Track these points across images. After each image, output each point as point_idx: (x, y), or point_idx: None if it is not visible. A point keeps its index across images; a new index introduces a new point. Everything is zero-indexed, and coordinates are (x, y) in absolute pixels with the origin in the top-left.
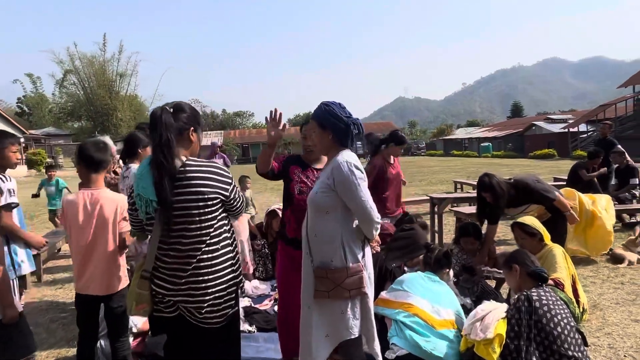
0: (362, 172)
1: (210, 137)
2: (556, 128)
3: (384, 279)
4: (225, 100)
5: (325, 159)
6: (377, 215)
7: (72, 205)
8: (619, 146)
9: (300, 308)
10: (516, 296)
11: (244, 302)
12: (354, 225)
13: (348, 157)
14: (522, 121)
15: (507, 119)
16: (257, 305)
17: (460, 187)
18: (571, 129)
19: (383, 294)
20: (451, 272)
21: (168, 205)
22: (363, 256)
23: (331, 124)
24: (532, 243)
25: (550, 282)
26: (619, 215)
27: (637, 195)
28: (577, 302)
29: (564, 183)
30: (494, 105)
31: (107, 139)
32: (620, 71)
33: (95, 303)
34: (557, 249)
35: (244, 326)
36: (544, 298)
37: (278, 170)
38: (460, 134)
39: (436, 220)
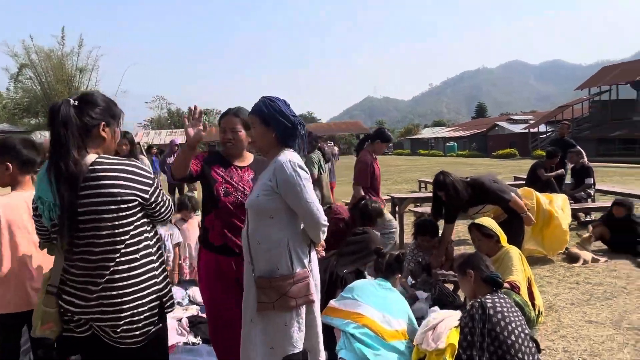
0: (307, 173)
1: (176, 135)
2: (518, 128)
3: (334, 285)
4: (205, 99)
5: (248, 155)
6: (324, 218)
7: (12, 209)
8: (578, 147)
9: (228, 314)
10: (470, 303)
11: (192, 310)
12: (300, 228)
13: (291, 157)
14: (485, 121)
15: (471, 120)
16: (204, 315)
17: (425, 186)
18: (531, 130)
19: (332, 302)
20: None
21: (67, 209)
22: (310, 261)
23: (276, 122)
24: (489, 244)
25: (506, 285)
26: (574, 214)
27: (592, 194)
28: (533, 304)
29: (525, 182)
30: (459, 106)
31: (47, 135)
32: (577, 74)
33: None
34: (514, 251)
35: (189, 337)
36: (498, 305)
37: (197, 172)
38: (426, 133)
39: (397, 220)
